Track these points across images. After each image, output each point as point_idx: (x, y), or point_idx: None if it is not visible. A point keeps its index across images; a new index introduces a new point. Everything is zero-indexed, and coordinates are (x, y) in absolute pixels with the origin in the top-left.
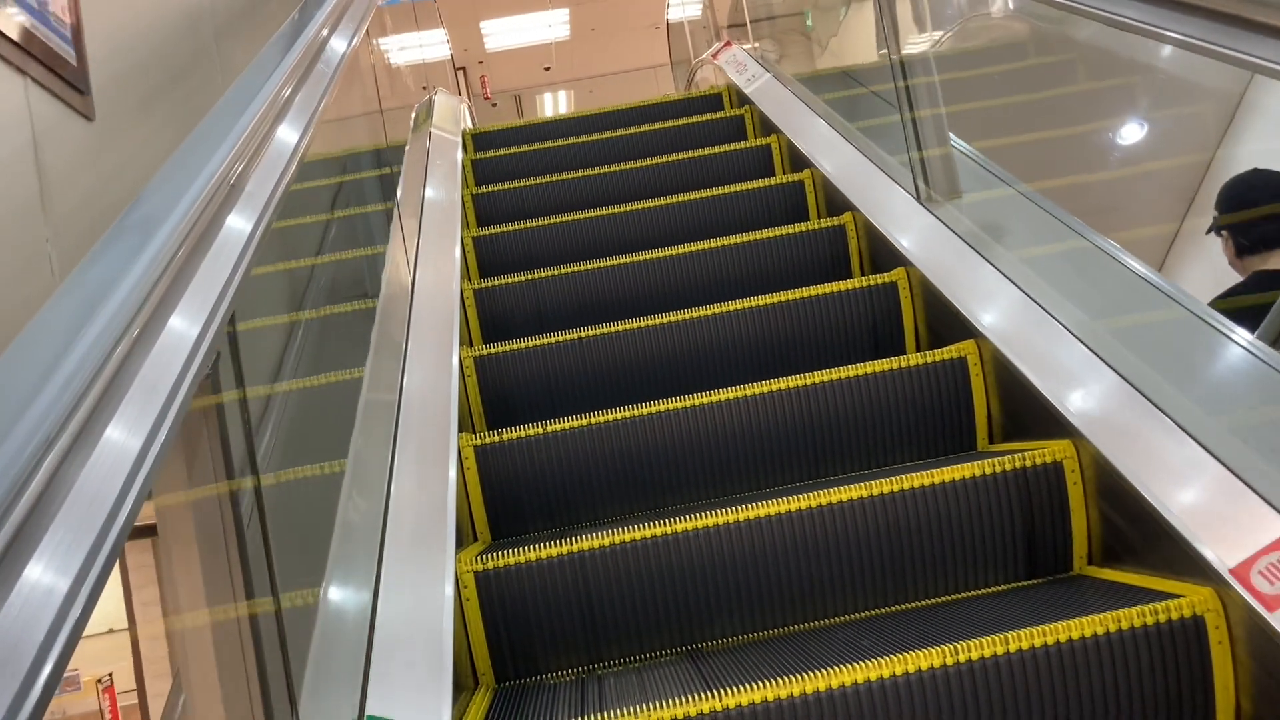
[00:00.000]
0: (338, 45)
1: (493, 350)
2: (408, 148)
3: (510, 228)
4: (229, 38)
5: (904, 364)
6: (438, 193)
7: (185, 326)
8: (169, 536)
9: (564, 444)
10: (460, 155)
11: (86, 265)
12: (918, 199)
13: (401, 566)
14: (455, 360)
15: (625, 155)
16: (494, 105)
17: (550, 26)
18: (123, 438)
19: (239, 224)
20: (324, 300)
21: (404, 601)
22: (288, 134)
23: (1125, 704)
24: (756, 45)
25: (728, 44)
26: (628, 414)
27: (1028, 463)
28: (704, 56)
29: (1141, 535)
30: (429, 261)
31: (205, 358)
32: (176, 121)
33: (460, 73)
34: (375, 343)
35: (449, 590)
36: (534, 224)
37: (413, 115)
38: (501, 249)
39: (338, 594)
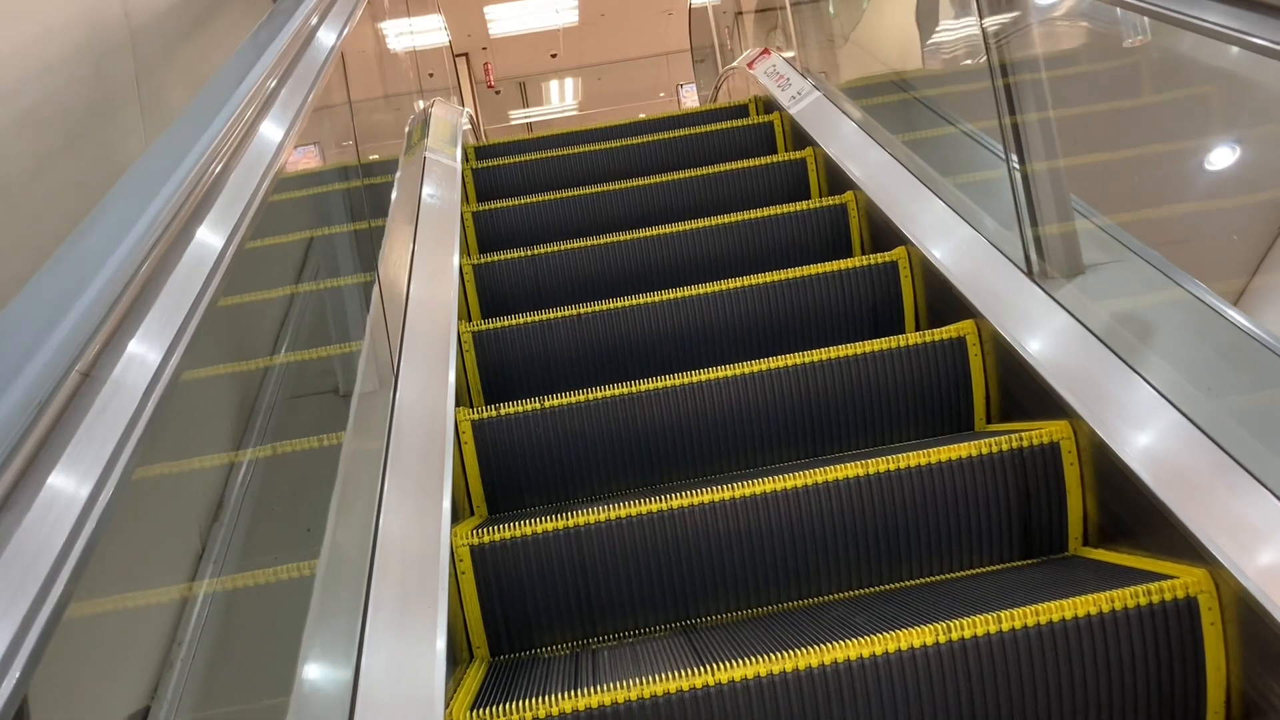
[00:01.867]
0: (306, 75)
1: (491, 325)
2: (396, 188)
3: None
4: (160, 72)
5: (903, 343)
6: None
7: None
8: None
9: (561, 419)
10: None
11: None
12: (1029, 274)
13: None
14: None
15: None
16: (498, 93)
17: (558, 12)
18: None
19: (106, 428)
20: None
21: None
22: (211, 234)
23: (1118, 683)
24: (801, 59)
25: (765, 52)
26: (626, 390)
27: (1024, 443)
28: (735, 64)
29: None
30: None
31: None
32: (72, 201)
33: (463, 59)
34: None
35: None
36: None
37: (406, 129)
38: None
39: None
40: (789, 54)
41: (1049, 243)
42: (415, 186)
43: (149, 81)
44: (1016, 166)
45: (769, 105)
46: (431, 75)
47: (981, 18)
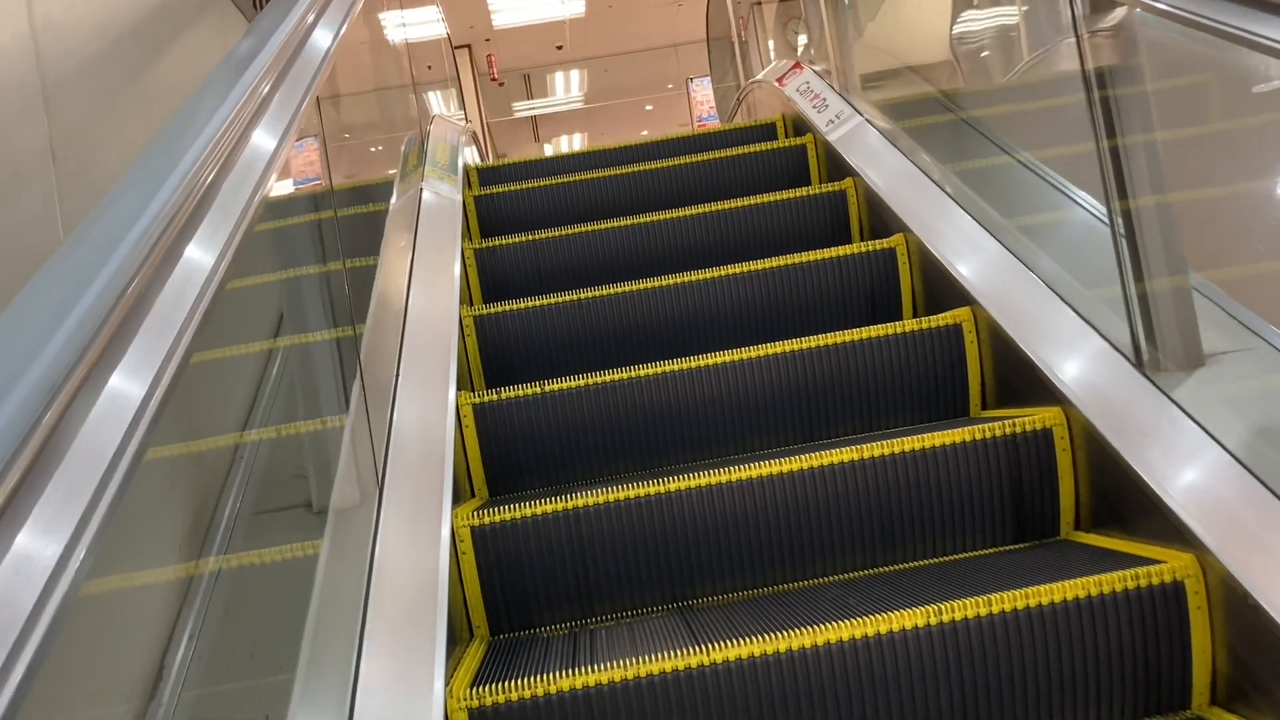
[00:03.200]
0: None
1: (492, 310)
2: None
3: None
4: (86, 136)
5: (899, 330)
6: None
7: None
8: None
9: (561, 404)
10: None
11: None
12: (1137, 366)
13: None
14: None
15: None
16: (501, 85)
17: (564, 2)
18: None
19: None
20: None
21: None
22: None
23: (1105, 665)
24: (836, 66)
25: (797, 66)
26: (625, 375)
27: (1018, 429)
28: (760, 77)
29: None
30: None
31: None
32: None
33: (465, 50)
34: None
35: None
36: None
37: (402, 149)
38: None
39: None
40: (819, 67)
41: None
42: (411, 217)
43: (70, 148)
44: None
45: (800, 125)
46: (430, 68)
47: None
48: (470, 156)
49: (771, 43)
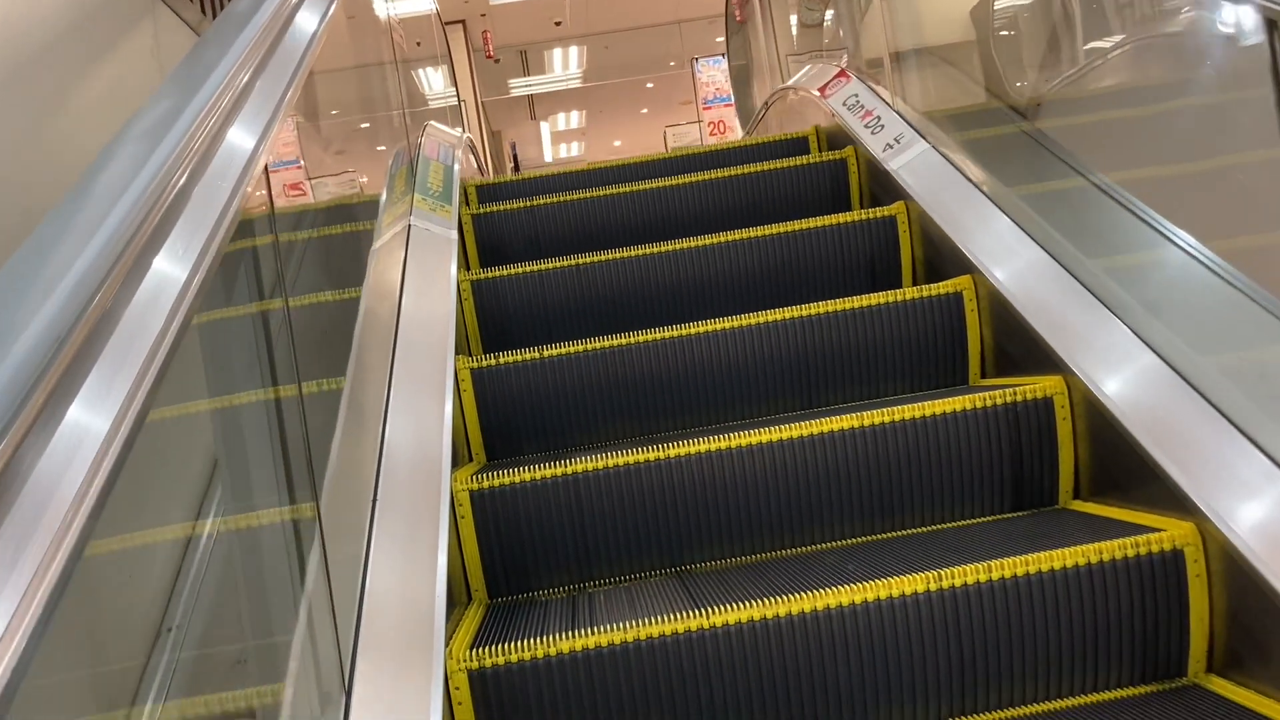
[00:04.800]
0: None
1: (490, 275)
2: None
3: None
4: None
5: (900, 298)
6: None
7: None
8: None
9: (560, 369)
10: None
11: None
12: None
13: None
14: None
15: None
16: (497, 62)
17: None
18: None
19: None
20: None
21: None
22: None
23: (1104, 632)
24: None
25: (842, 74)
26: (623, 341)
27: (1018, 397)
28: (793, 82)
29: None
30: None
31: None
32: None
33: (459, 26)
34: None
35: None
36: None
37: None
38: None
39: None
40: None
41: None
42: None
43: None
44: None
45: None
46: (420, 44)
47: None
48: (465, 140)
49: (794, 19)
